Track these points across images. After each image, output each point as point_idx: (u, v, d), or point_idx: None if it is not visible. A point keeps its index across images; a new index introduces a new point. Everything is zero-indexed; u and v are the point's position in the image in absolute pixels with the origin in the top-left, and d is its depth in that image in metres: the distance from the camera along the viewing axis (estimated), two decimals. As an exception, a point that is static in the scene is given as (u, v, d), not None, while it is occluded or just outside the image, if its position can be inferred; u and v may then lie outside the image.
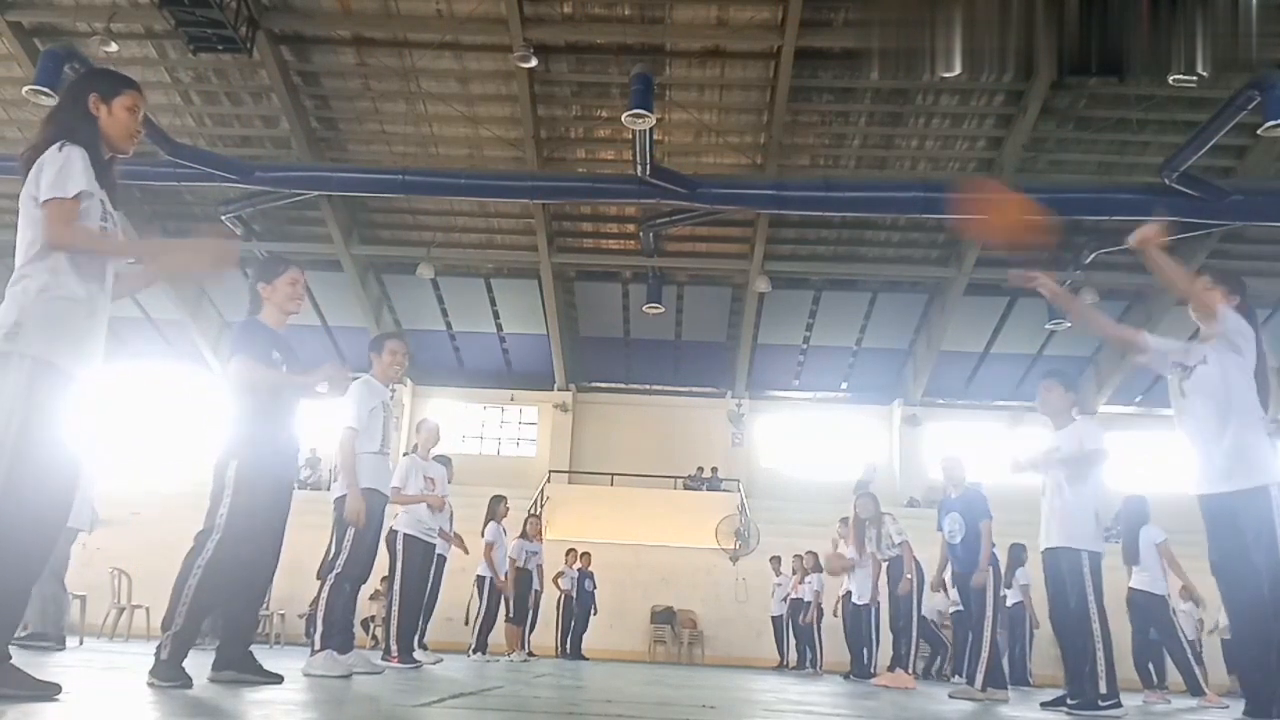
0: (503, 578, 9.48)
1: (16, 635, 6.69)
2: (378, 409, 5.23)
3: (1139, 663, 8.62)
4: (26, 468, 2.57)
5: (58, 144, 2.74)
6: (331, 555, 5.05)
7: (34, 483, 2.59)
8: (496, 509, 9.49)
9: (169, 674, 3.37)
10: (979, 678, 6.20)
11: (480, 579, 9.49)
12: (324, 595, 4.93)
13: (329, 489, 16.70)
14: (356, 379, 5.38)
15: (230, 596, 3.82)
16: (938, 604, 11.92)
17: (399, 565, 6.60)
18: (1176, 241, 16.05)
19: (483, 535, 9.50)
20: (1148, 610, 8.21)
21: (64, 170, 2.69)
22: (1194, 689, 8.39)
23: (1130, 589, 8.35)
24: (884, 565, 8.70)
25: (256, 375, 3.74)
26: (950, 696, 6.30)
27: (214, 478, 3.69)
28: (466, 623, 9.84)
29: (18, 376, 2.60)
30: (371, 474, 5.14)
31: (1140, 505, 8.27)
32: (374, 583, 7.79)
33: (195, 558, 3.56)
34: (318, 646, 4.84)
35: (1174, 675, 12.10)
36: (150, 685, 3.32)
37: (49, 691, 2.61)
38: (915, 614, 8.35)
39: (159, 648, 3.45)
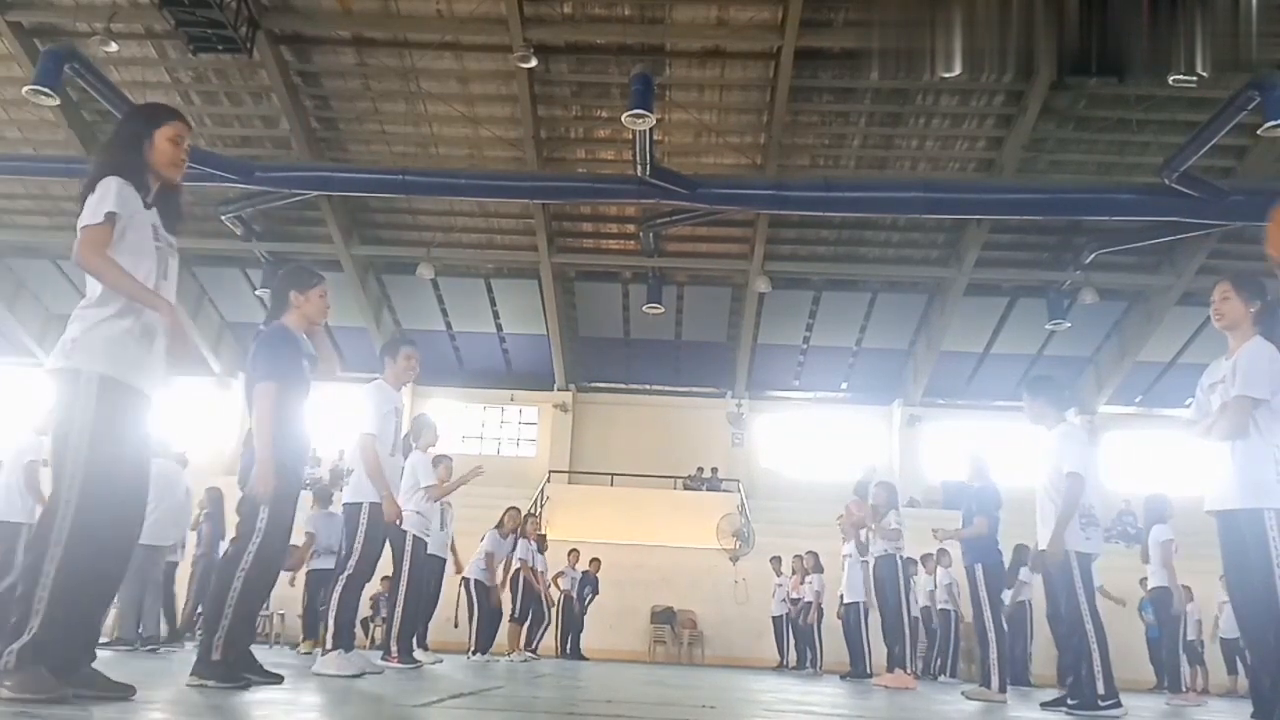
0: (489, 584, 9.47)
1: None
2: (391, 414, 5.27)
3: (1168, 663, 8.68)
4: (95, 480, 2.69)
5: (101, 178, 2.86)
6: (342, 558, 5.10)
7: (103, 494, 2.70)
8: (504, 520, 9.52)
9: (223, 674, 3.50)
10: (994, 679, 6.19)
11: (466, 580, 9.46)
12: (335, 597, 4.97)
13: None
14: (374, 379, 5.45)
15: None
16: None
17: (405, 566, 6.61)
18: (1176, 242, 16.09)
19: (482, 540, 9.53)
20: (1161, 604, 8.26)
21: (98, 199, 2.81)
22: (1173, 685, 8.49)
23: (1149, 589, 8.41)
24: (874, 563, 8.63)
25: (268, 403, 3.79)
26: (965, 696, 6.28)
27: (246, 484, 3.80)
28: (456, 625, 9.83)
29: (77, 390, 2.74)
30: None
31: (1156, 505, 8.27)
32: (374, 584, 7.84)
33: (237, 565, 3.68)
34: (328, 646, 4.89)
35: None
36: (202, 686, 3.42)
37: (124, 693, 2.76)
38: (906, 615, 8.34)
39: (210, 649, 3.56)
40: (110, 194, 2.81)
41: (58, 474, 2.69)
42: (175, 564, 8.70)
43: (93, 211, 2.78)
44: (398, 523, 6.44)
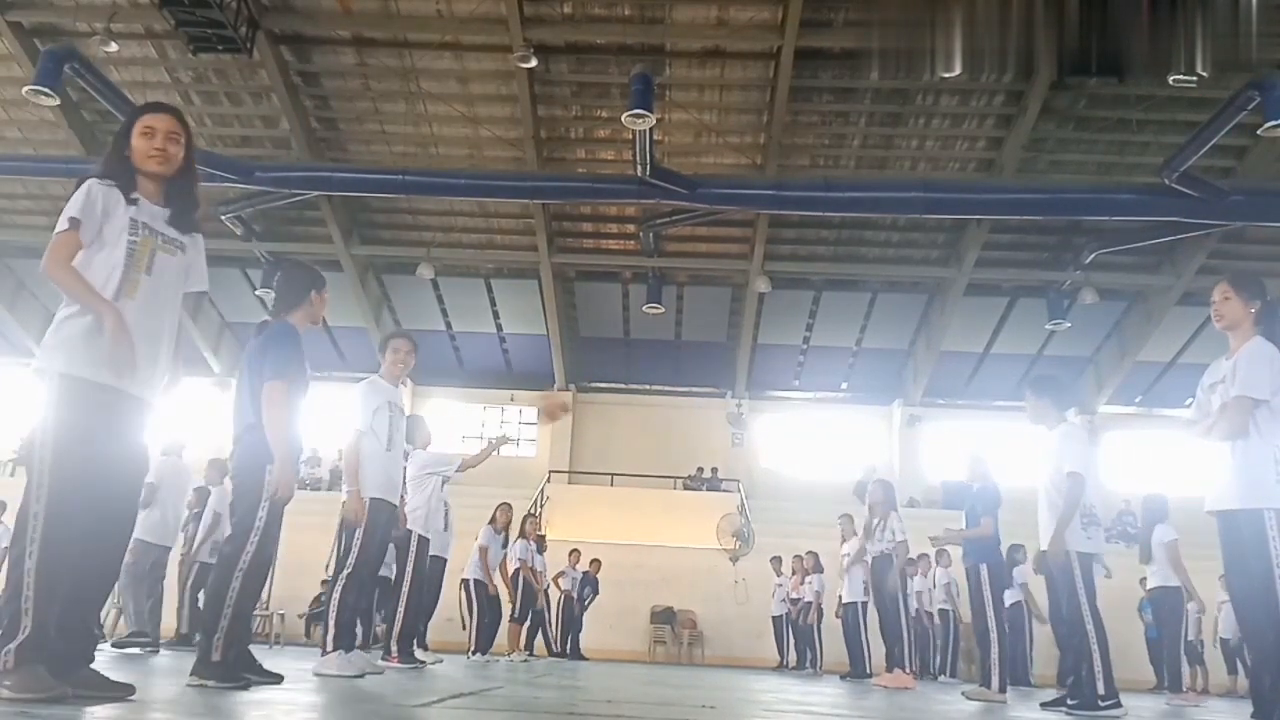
0: (493, 583, 9.46)
1: None
2: (383, 408, 5.23)
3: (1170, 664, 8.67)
4: (65, 478, 2.69)
5: (81, 183, 2.92)
6: (341, 557, 5.08)
7: (75, 492, 2.70)
8: (496, 515, 9.52)
9: (223, 674, 3.48)
10: (994, 679, 6.18)
11: (465, 581, 9.47)
12: (334, 597, 4.95)
13: (328, 489, 16.70)
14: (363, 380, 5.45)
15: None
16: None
17: (410, 565, 6.60)
18: (1176, 242, 16.09)
19: (477, 538, 9.52)
20: (1162, 604, 8.26)
21: (68, 206, 2.86)
22: (1174, 685, 8.51)
23: (1149, 589, 8.42)
24: (870, 562, 8.62)
25: (282, 401, 3.79)
26: (965, 696, 6.27)
27: (242, 481, 3.77)
28: (464, 627, 9.82)
29: (44, 390, 2.77)
30: (379, 482, 5.14)
31: (1157, 504, 8.28)
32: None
33: (235, 564, 3.65)
34: (329, 648, 4.87)
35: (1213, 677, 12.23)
36: (202, 686, 3.40)
37: (123, 692, 2.75)
38: (904, 614, 8.33)
39: (209, 649, 3.54)
40: (76, 200, 2.85)
41: (29, 474, 2.72)
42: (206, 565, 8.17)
43: (61, 219, 2.85)
44: (407, 526, 6.49)
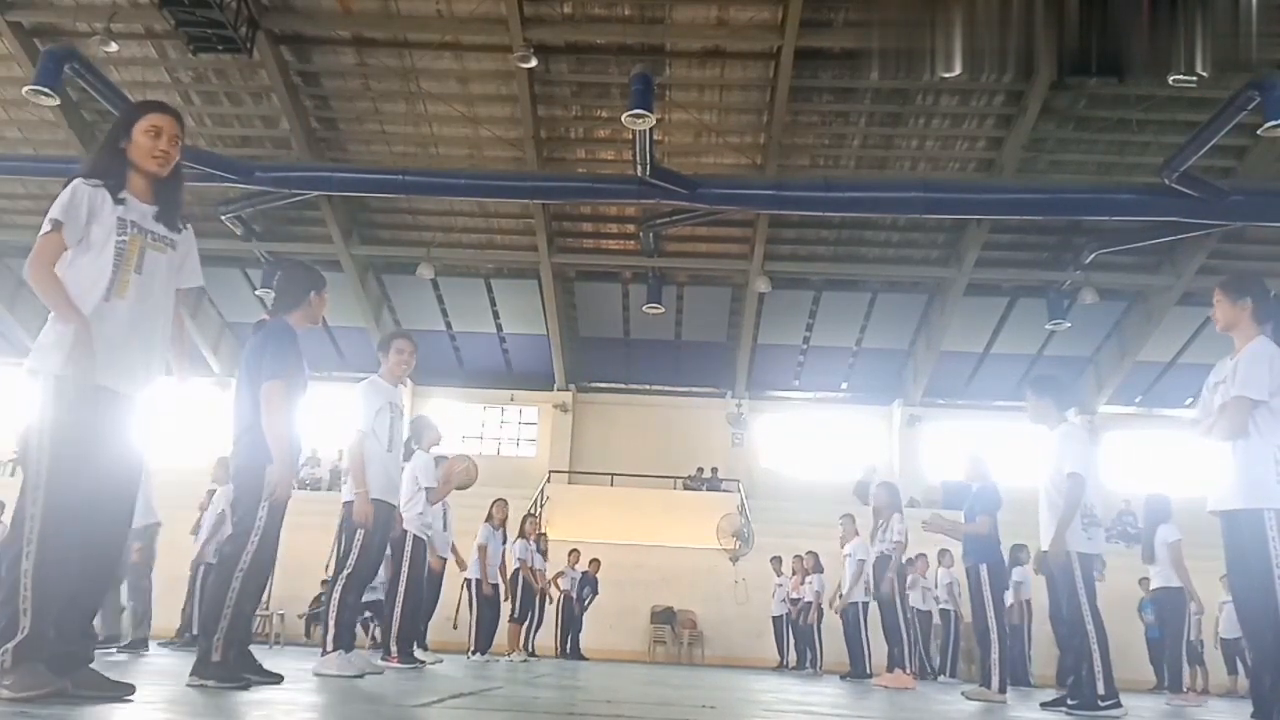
0: (491, 581, 9.46)
1: None
2: (384, 409, 5.24)
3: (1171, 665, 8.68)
4: (61, 478, 2.69)
5: (69, 183, 2.91)
6: (341, 557, 5.07)
7: (71, 491, 2.70)
8: (493, 511, 9.52)
9: (223, 674, 3.49)
10: (994, 679, 6.18)
11: (468, 581, 9.47)
12: (335, 597, 4.95)
13: (328, 489, 16.67)
14: (364, 379, 5.44)
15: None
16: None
17: (406, 565, 6.60)
18: (1176, 242, 16.08)
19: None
20: (1165, 604, 8.28)
21: (52, 208, 2.84)
22: (1174, 685, 8.53)
23: (1152, 590, 8.43)
24: (871, 562, 8.64)
25: (280, 400, 3.80)
26: (965, 696, 6.27)
27: (242, 481, 3.77)
28: (455, 627, 9.81)
29: (37, 391, 2.77)
30: (380, 483, 5.15)
31: (1160, 505, 8.28)
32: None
33: (235, 564, 3.65)
34: (329, 648, 4.87)
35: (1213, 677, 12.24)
36: (202, 686, 3.41)
37: (123, 692, 2.75)
38: (902, 615, 8.33)
39: (209, 650, 3.54)
40: (60, 201, 2.84)
41: (25, 474, 2.73)
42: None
43: (45, 221, 2.83)
44: (404, 527, 6.49)
